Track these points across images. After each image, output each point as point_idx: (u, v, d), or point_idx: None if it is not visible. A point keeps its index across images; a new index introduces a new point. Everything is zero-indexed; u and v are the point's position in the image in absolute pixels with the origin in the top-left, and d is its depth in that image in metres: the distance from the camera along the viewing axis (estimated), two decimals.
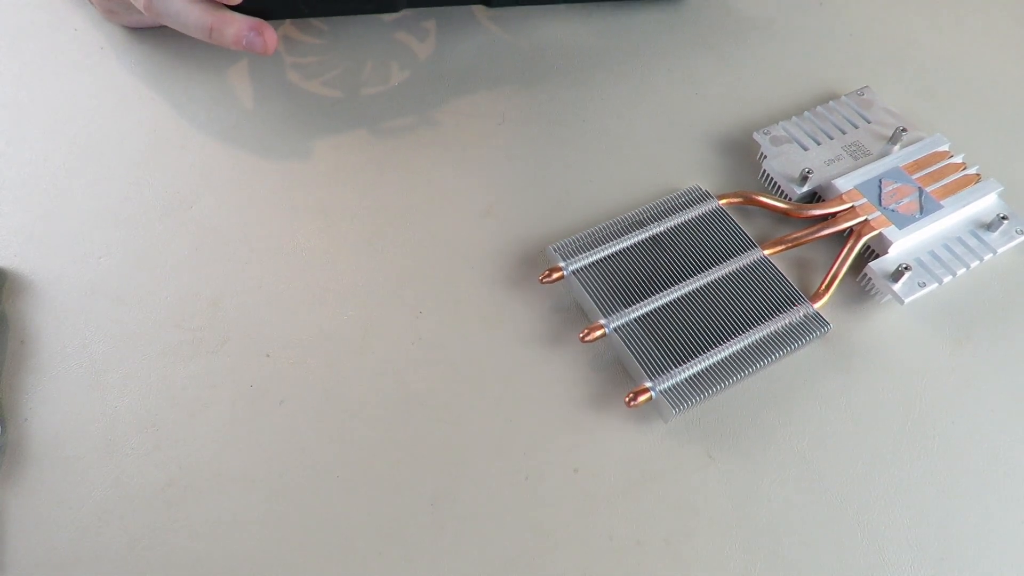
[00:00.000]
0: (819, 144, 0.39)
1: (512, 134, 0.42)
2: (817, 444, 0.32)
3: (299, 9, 0.39)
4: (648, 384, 0.31)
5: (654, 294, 0.34)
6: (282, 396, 0.33)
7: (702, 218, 0.37)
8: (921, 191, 0.37)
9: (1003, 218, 0.36)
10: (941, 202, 0.37)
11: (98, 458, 0.31)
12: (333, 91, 0.43)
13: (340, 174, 0.40)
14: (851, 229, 0.36)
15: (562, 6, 0.47)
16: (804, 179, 0.38)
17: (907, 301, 0.34)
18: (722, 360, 0.32)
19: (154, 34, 0.44)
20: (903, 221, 0.36)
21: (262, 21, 0.37)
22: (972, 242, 0.36)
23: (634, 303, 0.34)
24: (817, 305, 0.34)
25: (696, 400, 0.31)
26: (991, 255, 0.36)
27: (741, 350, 0.33)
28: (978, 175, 0.38)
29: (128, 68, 0.43)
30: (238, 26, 0.37)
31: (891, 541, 0.30)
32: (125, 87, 0.43)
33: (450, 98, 0.43)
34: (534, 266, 0.37)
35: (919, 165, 0.38)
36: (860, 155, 0.39)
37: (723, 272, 0.35)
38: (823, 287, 0.35)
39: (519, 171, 0.40)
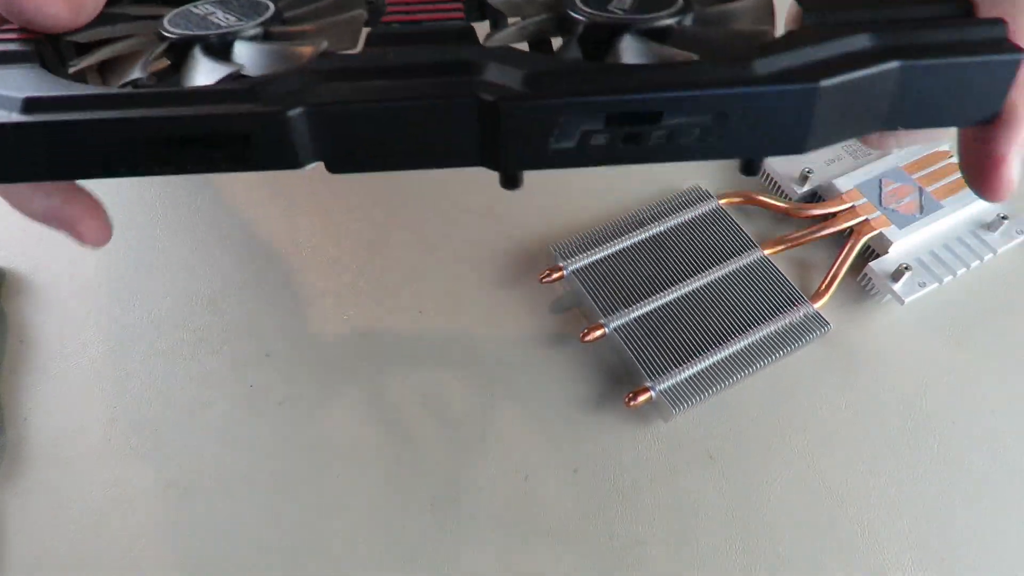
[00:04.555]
0: None
1: None
2: (817, 444, 0.32)
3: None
4: (648, 384, 0.31)
5: (654, 294, 0.34)
6: (282, 396, 0.33)
7: (702, 218, 0.37)
8: (921, 191, 0.37)
9: (1003, 218, 0.36)
10: (941, 202, 0.37)
11: (98, 458, 0.31)
12: None
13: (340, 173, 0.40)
14: (851, 229, 0.36)
15: None
16: (804, 179, 0.38)
17: (907, 301, 0.34)
18: (722, 360, 0.32)
19: None
20: (903, 221, 0.36)
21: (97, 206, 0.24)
22: (972, 242, 0.36)
23: (634, 303, 0.34)
24: (817, 305, 0.34)
25: (696, 400, 0.31)
26: (991, 255, 0.36)
27: (741, 350, 0.33)
28: None
29: None
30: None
31: (891, 541, 0.30)
32: None
33: None
34: (534, 266, 0.37)
35: (919, 165, 0.38)
36: (860, 155, 0.39)
37: (723, 272, 0.35)
38: (823, 287, 0.35)
39: None
